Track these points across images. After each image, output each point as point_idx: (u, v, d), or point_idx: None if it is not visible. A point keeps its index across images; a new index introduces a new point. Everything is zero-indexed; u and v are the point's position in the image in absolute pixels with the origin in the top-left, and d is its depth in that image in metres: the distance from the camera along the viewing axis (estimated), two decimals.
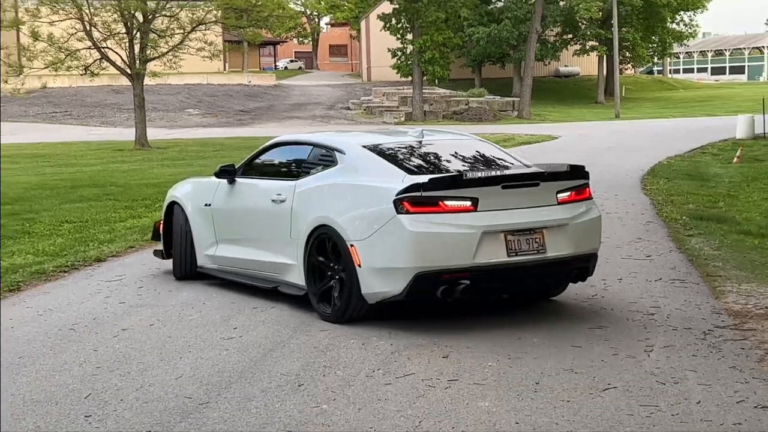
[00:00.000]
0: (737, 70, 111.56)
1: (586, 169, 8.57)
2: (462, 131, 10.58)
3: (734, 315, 8.55)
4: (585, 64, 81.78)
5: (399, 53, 63.21)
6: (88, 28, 36.41)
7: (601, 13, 68.68)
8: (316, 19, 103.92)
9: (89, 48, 36.96)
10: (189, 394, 6.51)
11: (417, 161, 8.65)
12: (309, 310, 8.71)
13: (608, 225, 11.96)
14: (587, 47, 73.97)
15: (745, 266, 10.83)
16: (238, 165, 10.22)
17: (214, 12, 40.24)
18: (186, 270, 10.40)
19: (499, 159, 8.98)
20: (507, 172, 8.24)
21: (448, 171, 8.36)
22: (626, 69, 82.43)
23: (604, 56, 73.24)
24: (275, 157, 10.11)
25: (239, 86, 72.72)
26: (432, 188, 7.62)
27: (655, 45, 79.35)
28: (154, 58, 38.14)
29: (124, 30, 37.10)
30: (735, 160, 25.08)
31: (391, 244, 7.71)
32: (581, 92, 77.58)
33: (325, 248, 8.40)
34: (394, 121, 58.01)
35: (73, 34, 36.87)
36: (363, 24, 79.22)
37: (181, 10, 38.30)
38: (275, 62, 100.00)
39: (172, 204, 10.76)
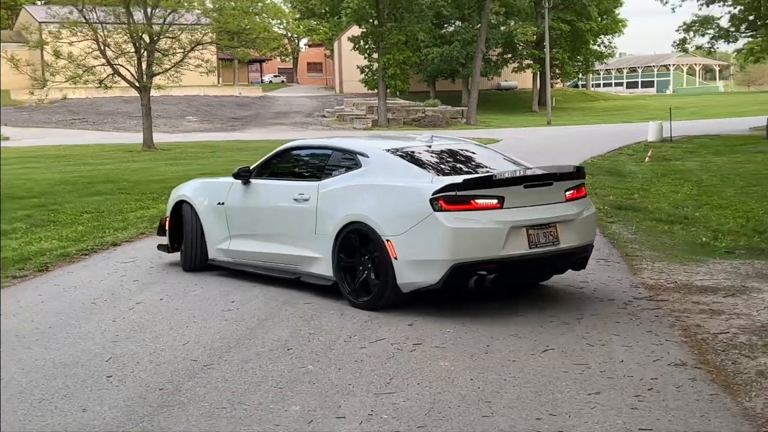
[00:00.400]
0: (648, 84, 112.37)
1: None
2: (460, 137, 10.10)
3: (649, 288, 8.64)
4: (522, 79, 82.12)
5: (366, 70, 63.35)
6: (102, 48, 36.16)
7: (535, 37, 68.92)
8: (296, 41, 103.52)
9: (103, 65, 36.71)
10: (195, 358, 6.52)
11: (436, 163, 8.19)
12: (296, 288, 8.66)
13: None
14: (523, 65, 74.27)
15: (657, 248, 10.95)
16: (252, 167, 9.51)
17: (210, 34, 40.28)
18: (196, 262, 9.79)
19: (501, 160, 8.65)
20: (527, 173, 7.77)
21: (464, 172, 8.01)
22: (556, 83, 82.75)
23: (538, 72, 73.52)
24: (291, 160, 9.44)
25: (231, 97, 72.34)
26: (466, 188, 7.30)
27: (580, 63, 79.87)
28: (158, 73, 37.96)
29: (133, 49, 36.86)
30: (647, 159, 25.31)
31: (428, 239, 7.32)
32: (519, 103, 77.90)
33: (357, 243, 7.92)
34: (362, 126, 58.01)
35: (89, 53, 36.60)
36: (336, 45, 78.96)
37: (182, 32, 38.14)
38: (261, 77, 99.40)
39: (181, 203, 10.08)
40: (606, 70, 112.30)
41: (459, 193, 7.29)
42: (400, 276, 7.49)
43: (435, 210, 7.28)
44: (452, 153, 8.58)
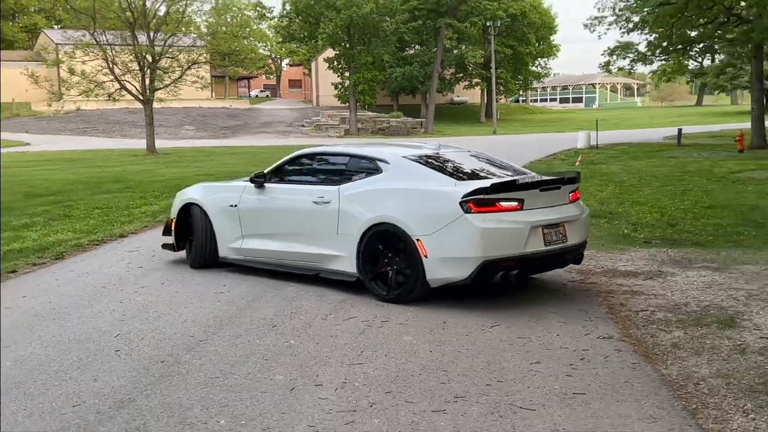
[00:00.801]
0: (577, 99, 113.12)
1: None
2: (461, 146, 9.33)
3: (581, 273, 8.66)
4: (471, 95, 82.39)
5: (339, 86, 63.09)
6: (111, 66, 35.81)
7: (482, 59, 69.10)
8: (279, 61, 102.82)
9: (112, 80, 36.42)
10: (192, 334, 6.43)
11: (451, 169, 7.73)
12: (280, 275, 8.52)
13: None
14: (473, 83, 74.47)
15: None
16: (265, 172, 8.86)
17: (205, 55, 40.05)
18: (206, 260, 9.15)
19: (502, 165, 8.24)
20: (543, 178, 7.41)
21: (478, 176, 7.60)
22: (500, 99, 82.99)
23: (485, 89, 73.87)
24: (305, 165, 8.77)
25: (222, 109, 71.77)
26: (493, 191, 6.97)
27: (521, 82, 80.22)
28: (160, 88, 37.73)
29: (138, 67, 36.56)
30: (577, 163, 25.45)
31: (459, 238, 6.91)
32: (469, 115, 78.11)
33: (384, 242, 7.44)
34: (336, 135, 57.86)
35: (99, 70, 36.33)
36: (313, 65, 78.56)
37: (180, 53, 38.02)
38: (249, 91, 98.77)
39: (189, 205, 9.43)
40: (542, 87, 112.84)
41: (486, 196, 6.96)
42: (430, 272, 7.11)
43: (465, 212, 6.93)
44: (458, 160, 8.14)
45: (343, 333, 6.39)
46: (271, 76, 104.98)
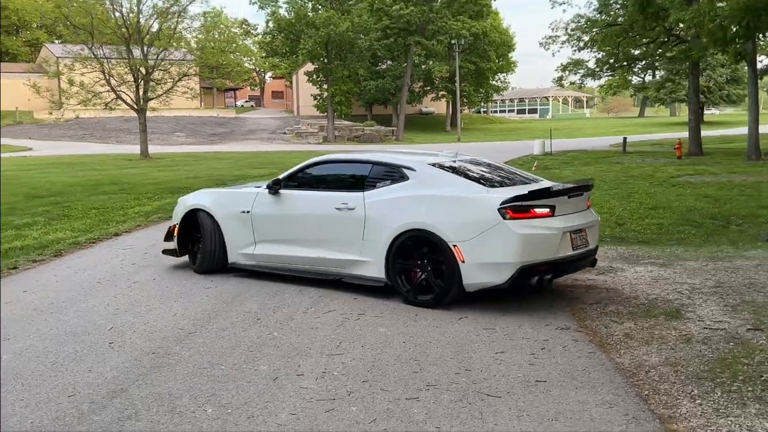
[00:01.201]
0: (533, 111, 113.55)
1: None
2: (474, 155, 8.65)
3: None
4: (438, 106, 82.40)
5: (318, 97, 62.94)
6: (107, 78, 35.42)
7: (448, 74, 69.20)
8: (263, 74, 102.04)
9: (108, 91, 36.03)
10: (181, 327, 6.27)
11: (476, 176, 7.23)
12: (263, 273, 8.14)
13: None
14: (439, 95, 74.48)
15: None
16: (280, 178, 8.12)
17: (194, 68, 39.73)
18: (215, 265, 8.41)
19: (513, 172, 7.84)
20: (571, 185, 7.00)
21: (502, 183, 7.15)
22: (464, 109, 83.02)
23: (450, 101, 73.87)
24: (323, 173, 8.02)
25: (211, 117, 71.04)
26: (529, 198, 6.54)
27: (482, 94, 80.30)
28: (153, 98, 37.39)
29: (132, 79, 36.21)
30: (533, 168, 25.47)
31: (497, 244, 6.44)
32: (436, 124, 78.11)
33: (415, 248, 6.90)
34: (315, 142, 57.59)
35: (97, 82, 35.95)
36: (294, 77, 78.04)
37: (172, 66, 37.80)
38: (235, 101, 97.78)
39: (194, 211, 8.64)
40: (501, 99, 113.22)
41: (523, 203, 6.55)
42: (467, 277, 6.60)
43: (504, 218, 6.48)
44: (476, 167, 7.62)
45: (323, 325, 6.26)
46: (256, 88, 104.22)
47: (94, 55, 35.25)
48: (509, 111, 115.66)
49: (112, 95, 36.16)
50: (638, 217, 12.55)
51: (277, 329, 6.15)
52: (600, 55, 41.39)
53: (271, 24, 63.83)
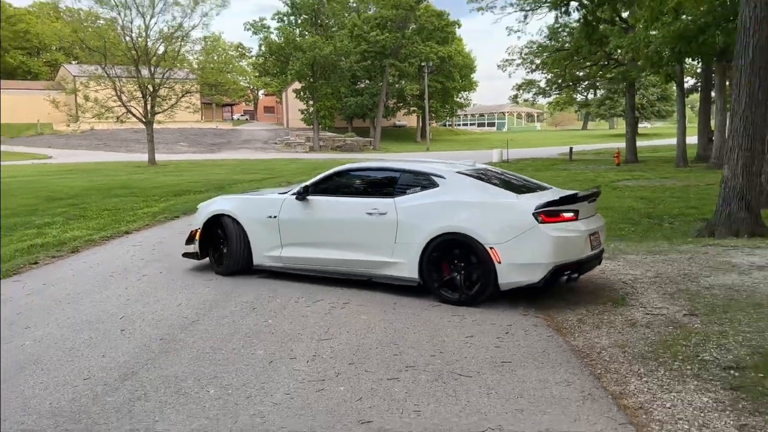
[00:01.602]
0: (491, 124, 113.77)
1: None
2: (486, 164, 8.29)
3: None
4: (410, 120, 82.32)
5: (305, 112, 62.53)
6: (119, 94, 35.04)
7: (418, 92, 69.17)
8: (256, 91, 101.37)
9: (119, 106, 35.58)
10: (185, 316, 6.11)
11: (501, 183, 6.89)
12: (258, 270, 7.92)
13: None
14: (411, 110, 74.36)
15: None
16: (307, 185, 7.52)
17: (196, 85, 39.40)
18: (240, 267, 7.81)
19: (523, 179, 7.44)
20: (592, 191, 6.76)
21: (522, 189, 6.81)
22: (432, 123, 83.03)
23: (420, 115, 73.86)
24: (350, 180, 7.49)
25: (210, 129, 70.15)
26: (560, 204, 6.27)
27: (448, 109, 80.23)
28: (159, 112, 36.92)
29: (141, 95, 35.83)
30: None
31: (532, 246, 6.13)
32: (407, 136, 78.01)
33: (450, 250, 6.50)
34: (303, 151, 57.21)
35: (110, 98, 35.53)
36: (284, 94, 77.49)
37: (176, 84, 37.39)
38: (232, 115, 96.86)
39: (218, 216, 8.01)
40: (464, 114, 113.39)
41: (554, 208, 6.25)
42: (502, 277, 6.26)
43: (538, 222, 6.17)
44: (494, 175, 7.24)
45: (313, 314, 6.13)
46: (250, 103, 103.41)
47: (106, 74, 34.87)
48: (471, 124, 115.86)
49: (123, 110, 35.70)
50: None
51: (272, 317, 6.02)
52: (549, 76, 41.69)
53: (263, 47, 63.44)
